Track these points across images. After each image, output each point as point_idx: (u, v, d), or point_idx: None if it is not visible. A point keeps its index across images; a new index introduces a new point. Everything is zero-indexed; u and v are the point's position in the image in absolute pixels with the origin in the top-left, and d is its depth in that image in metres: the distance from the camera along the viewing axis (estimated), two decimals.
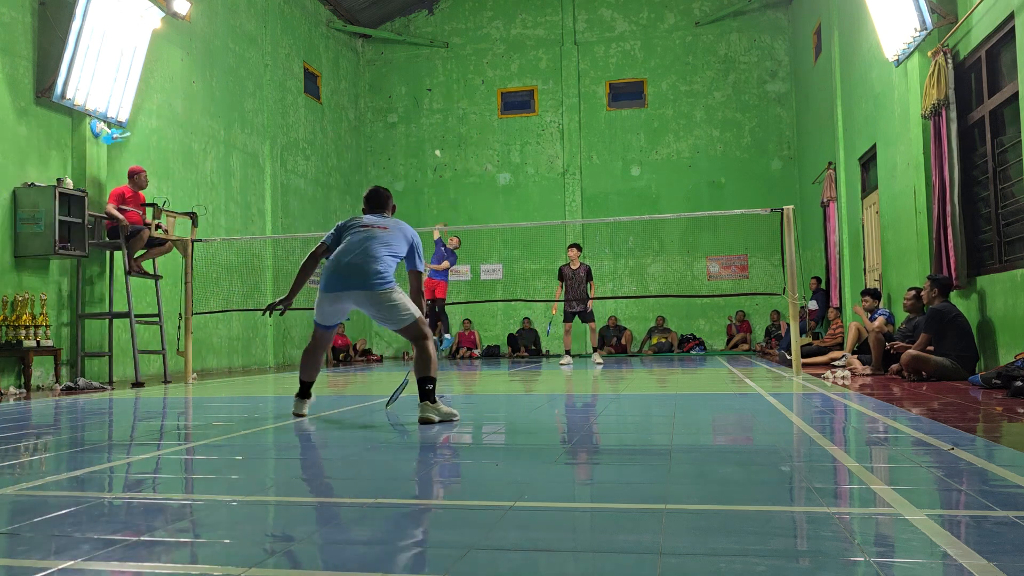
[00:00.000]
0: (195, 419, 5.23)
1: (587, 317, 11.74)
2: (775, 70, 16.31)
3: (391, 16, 17.69)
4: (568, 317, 11.79)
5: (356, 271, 4.60)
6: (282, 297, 4.96)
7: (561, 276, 11.82)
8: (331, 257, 4.76)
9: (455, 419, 4.54)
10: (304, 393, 5.03)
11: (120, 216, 8.85)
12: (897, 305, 9.22)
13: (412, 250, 4.85)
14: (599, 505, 2.47)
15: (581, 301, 11.51)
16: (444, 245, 12.71)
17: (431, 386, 4.48)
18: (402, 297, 4.64)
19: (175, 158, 11.06)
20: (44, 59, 8.69)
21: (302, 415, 4.95)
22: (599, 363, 11.50)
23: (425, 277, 12.21)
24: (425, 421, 4.40)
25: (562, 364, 11.57)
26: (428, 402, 4.46)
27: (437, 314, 12.70)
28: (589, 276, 11.78)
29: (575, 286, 11.64)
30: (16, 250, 8.20)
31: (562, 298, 11.66)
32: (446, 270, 12.80)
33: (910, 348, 7.26)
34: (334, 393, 7.26)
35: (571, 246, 11.87)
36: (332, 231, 4.91)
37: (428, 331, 4.68)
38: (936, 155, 7.79)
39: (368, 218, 4.90)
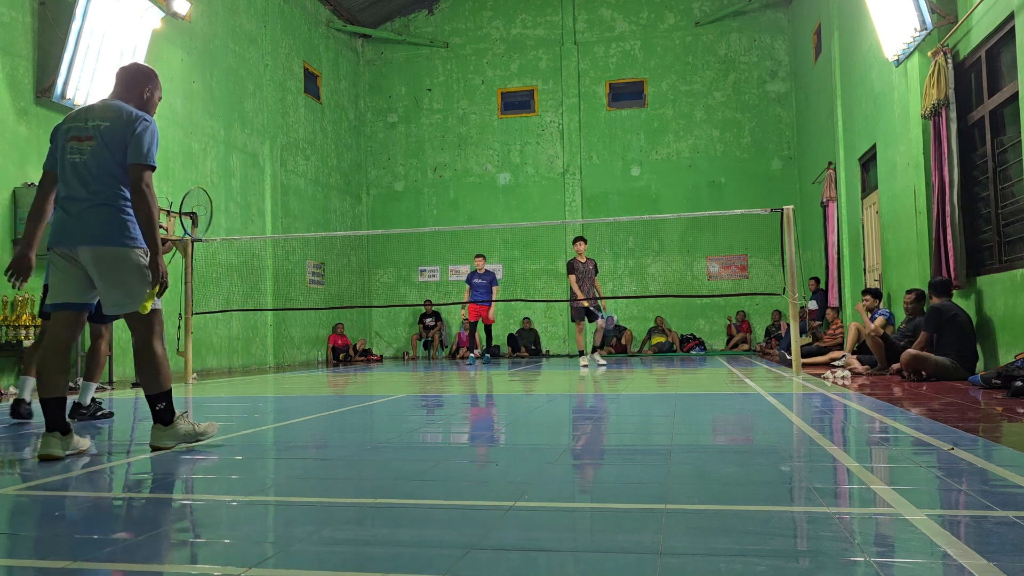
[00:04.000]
0: (195, 419, 5.22)
1: (596, 314, 11.05)
2: (775, 70, 16.32)
3: (391, 16, 17.70)
4: (579, 315, 11.03)
5: (73, 217, 3.46)
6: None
7: (572, 269, 11.01)
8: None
9: (204, 437, 3.68)
10: (62, 422, 3.41)
11: None
12: (897, 305, 9.23)
13: (128, 141, 3.47)
14: (599, 505, 2.47)
15: (592, 298, 10.90)
16: (480, 273, 12.76)
17: (163, 404, 3.55)
18: (140, 262, 3.51)
19: (175, 158, 11.06)
20: (44, 59, 8.69)
21: (56, 456, 3.34)
22: (601, 364, 11.00)
23: (477, 305, 12.34)
24: (157, 448, 3.55)
25: (584, 366, 10.89)
26: (160, 425, 3.55)
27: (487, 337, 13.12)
28: (596, 270, 11.21)
29: (586, 280, 10.97)
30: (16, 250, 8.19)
31: (577, 294, 10.96)
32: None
33: (910, 349, 7.26)
34: (334, 393, 7.26)
35: (577, 239, 11.18)
36: (49, 147, 3.62)
37: (158, 325, 3.60)
38: (936, 155, 7.79)
39: (76, 121, 3.54)
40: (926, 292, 7.58)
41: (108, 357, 7.95)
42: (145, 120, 3.51)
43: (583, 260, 11.06)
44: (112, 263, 3.44)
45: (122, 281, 3.47)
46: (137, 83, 3.69)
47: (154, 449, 3.57)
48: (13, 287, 3.51)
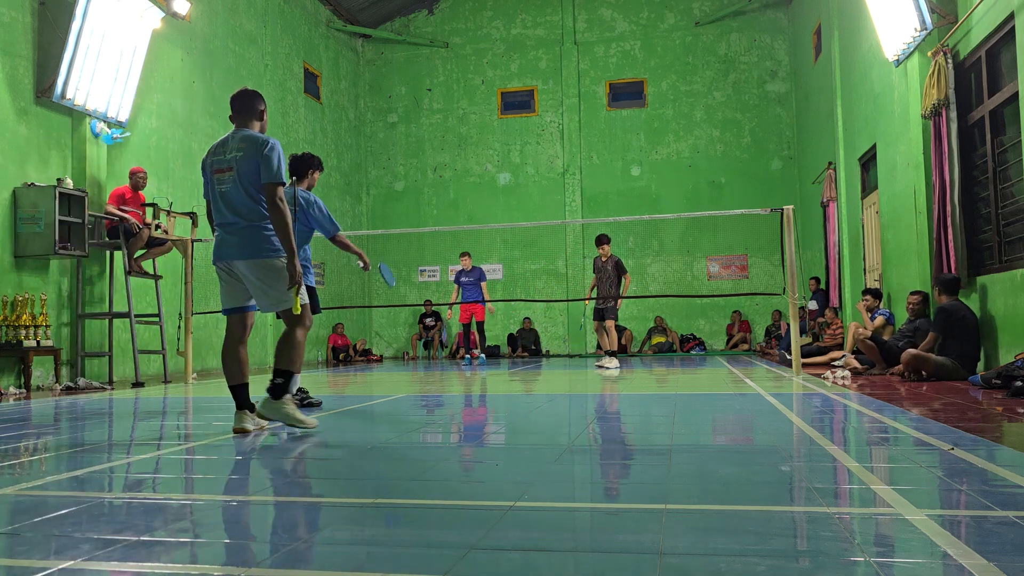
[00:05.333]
0: (195, 419, 5.23)
1: (605, 314, 10.64)
2: (775, 70, 16.31)
3: (391, 16, 17.69)
4: (597, 315, 10.82)
5: (226, 237, 4.09)
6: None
7: (594, 268, 10.87)
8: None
9: (302, 428, 4.08)
10: (247, 403, 4.21)
11: (120, 214, 8.86)
12: (897, 305, 9.22)
13: (260, 162, 3.99)
14: (599, 505, 2.47)
15: (606, 298, 10.47)
16: (467, 271, 12.78)
17: (281, 380, 4.07)
18: (283, 267, 4.06)
19: (175, 158, 11.06)
20: (44, 59, 8.68)
21: (247, 430, 4.14)
22: (612, 367, 10.37)
23: (468, 303, 12.49)
24: (261, 416, 4.10)
25: (598, 366, 10.56)
26: (270, 397, 4.05)
27: (479, 335, 13.08)
28: (620, 270, 10.61)
29: (603, 280, 10.66)
30: (16, 250, 8.20)
31: (594, 295, 10.76)
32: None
33: (912, 349, 7.25)
34: (334, 393, 7.26)
35: (598, 239, 10.78)
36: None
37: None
38: (936, 155, 7.79)
39: (217, 155, 4.12)
40: (934, 289, 7.51)
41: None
42: (271, 143, 4.04)
43: (604, 260, 10.75)
44: (261, 271, 4.04)
45: (271, 285, 4.06)
46: (254, 105, 4.24)
47: (259, 416, 4.11)
48: None
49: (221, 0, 12.43)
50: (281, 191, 3.98)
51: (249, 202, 4.02)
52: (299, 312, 4.09)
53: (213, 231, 4.24)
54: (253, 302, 4.22)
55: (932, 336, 7.10)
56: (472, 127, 17.39)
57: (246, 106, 4.22)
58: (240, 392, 4.17)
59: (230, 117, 4.22)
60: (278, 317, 4.36)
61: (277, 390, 4.06)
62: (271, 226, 4.03)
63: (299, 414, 4.10)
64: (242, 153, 4.02)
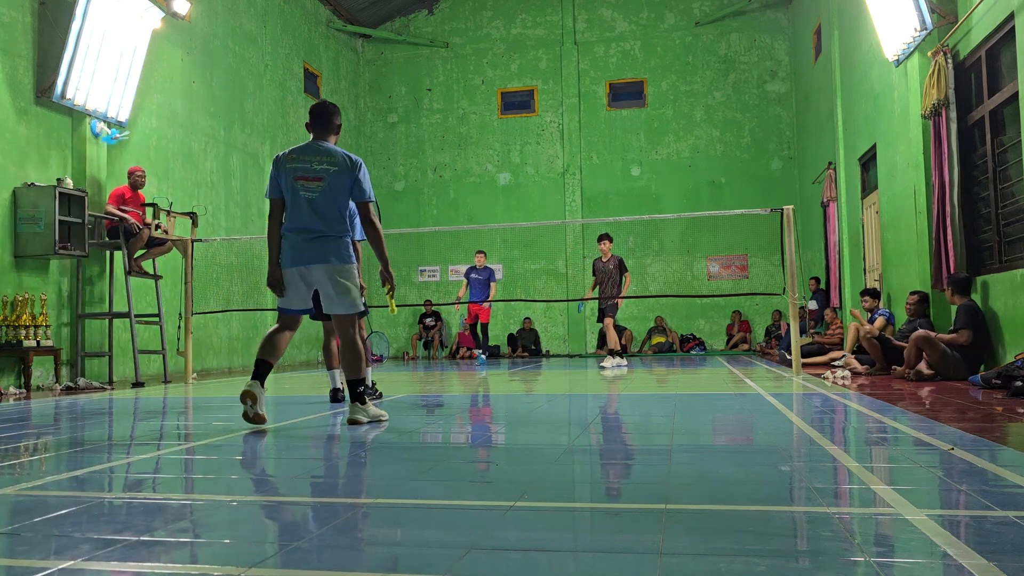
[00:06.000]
0: (195, 419, 5.23)
1: (605, 312, 10.61)
2: (775, 70, 16.31)
3: (391, 16, 17.69)
4: (599, 316, 10.88)
5: (309, 242, 4.28)
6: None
7: (593, 271, 10.96)
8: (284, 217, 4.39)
9: (383, 420, 4.52)
10: (263, 378, 4.37)
11: (120, 214, 8.86)
12: (897, 305, 9.23)
13: (354, 182, 4.30)
14: (599, 505, 2.47)
15: (608, 297, 10.41)
16: (478, 269, 12.75)
17: (362, 388, 4.43)
18: (356, 275, 4.41)
19: (175, 158, 11.06)
20: (44, 59, 8.68)
21: (253, 395, 4.27)
22: (610, 366, 10.40)
23: (480, 304, 12.44)
24: (353, 422, 4.37)
25: (602, 365, 10.56)
26: (358, 404, 4.42)
27: (483, 336, 13.05)
28: (622, 269, 10.63)
29: (605, 281, 10.65)
30: (16, 250, 8.20)
31: (595, 295, 10.77)
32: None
33: (925, 332, 7.21)
34: None
35: (600, 238, 10.85)
36: (271, 176, 4.41)
37: (358, 327, 4.49)
38: (936, 155, 7.79)
39: (301, 162, 4.30)
40: (947, 289, 7.46)
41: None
42: (361, 164, 4.36)
43: (605, 259, 10.73)
44: (337, 276, 4.29)
45: (347, 289, 4.32)
46: (332, 120, 4.48)
47: (351, 423, 4.35)
48: (279, 296, 4.43)
49: (221, 0, 12.43)
50: (372, 208, 4.36)
51: (336, 214, 4.28)
52: (395, 312, 4.51)
53: (275, 229, 4.36)
54: (309, 305, 4.49)
55: (967, 334, 6.95)
56: (472, 127, 17.39)
57: (326, 120, 4.44)
58: (262, 367, 4.33)
59: (307, 126, 4.46)
60: (322, 318, 4.59)
61: (358, 397, 4.41)
62: (347, 236, 4.35)
63: (378, 411, 4.54)
64: (336, 168, 4.27)
